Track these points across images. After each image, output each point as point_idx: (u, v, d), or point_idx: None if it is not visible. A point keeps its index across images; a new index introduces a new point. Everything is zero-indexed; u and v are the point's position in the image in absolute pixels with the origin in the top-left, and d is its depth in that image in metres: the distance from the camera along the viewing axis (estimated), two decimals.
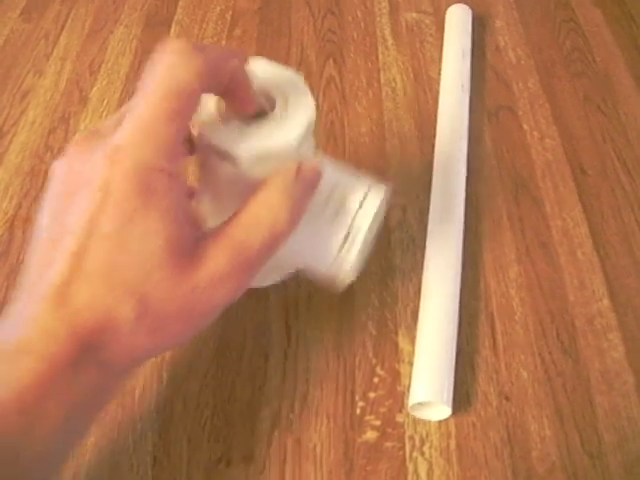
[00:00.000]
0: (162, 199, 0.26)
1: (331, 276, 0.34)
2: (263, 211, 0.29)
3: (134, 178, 0.25)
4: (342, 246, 0.33)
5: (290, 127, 0.31)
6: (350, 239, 0.33)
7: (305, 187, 0.31)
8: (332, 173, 0.34)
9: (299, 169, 0.30)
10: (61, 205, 0.27)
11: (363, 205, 0.34)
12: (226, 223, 0.29)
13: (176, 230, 0.26)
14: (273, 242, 0.29)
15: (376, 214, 0.34)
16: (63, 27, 0.61)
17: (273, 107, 0.32)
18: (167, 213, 0.26)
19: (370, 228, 0.34)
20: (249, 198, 0.29)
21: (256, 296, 0.41)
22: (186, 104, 0.27)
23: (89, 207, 0.25)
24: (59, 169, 0.28)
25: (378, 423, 0.37)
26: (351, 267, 0.34)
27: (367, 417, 0.37)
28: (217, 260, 0.27)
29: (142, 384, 0.38)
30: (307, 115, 0.32)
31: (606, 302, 0.42)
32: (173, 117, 0.26)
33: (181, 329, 0.27)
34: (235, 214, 0.29)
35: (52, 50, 0.59)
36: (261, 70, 0.33)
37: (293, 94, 0.32)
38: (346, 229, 0.33)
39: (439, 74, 0.54)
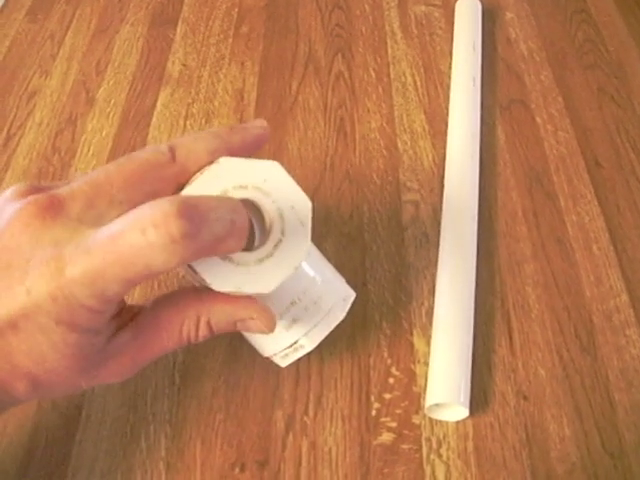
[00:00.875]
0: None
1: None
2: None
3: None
4: (284, 350, 0.34)
5: (272, 275, 0.28)
6: (293, 348, 0.34)
7: None
8: (308, 273, 0.33)
9: None
10: None
11: (320, 323, 0.33)
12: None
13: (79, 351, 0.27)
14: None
15: (332, 326, 0.34)
16: (69, 27, 0.60)
17: (267, 235, 0.29)
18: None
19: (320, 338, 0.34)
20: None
21: None
22: (146, 278, 0.26)
23: None
24: None
25: (394, 425, 0.36)
26: (286, 365, 0.35)
27: (383, 419, 0.37)
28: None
29: (154, 387, 0.38)
30: (296, 261, 0.29)
31: (624, 297, 0.41)
32: (126, 284, 0.25)
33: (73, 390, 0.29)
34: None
35: (58, 50, 0.58)
36: (275, 186, 0.29)
37: (292, 229, 0.29)
38: (296, 338, 0.33)
39: (449, 68, 0.54)
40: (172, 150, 0.28)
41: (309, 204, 0.29)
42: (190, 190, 0.28)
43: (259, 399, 0.37)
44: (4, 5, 0.63)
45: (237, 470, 0.35)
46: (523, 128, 0.50)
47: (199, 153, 0.28)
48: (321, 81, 0.54)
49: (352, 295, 0.36)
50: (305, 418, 0.37)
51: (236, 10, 0.61)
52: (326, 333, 0.34)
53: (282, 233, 0.28)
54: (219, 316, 0.30)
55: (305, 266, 0.33)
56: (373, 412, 0.37)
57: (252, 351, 0.39)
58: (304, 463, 0.35)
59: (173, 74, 0.55)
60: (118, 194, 0.27)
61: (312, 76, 0.54)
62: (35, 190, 0.27)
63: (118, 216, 0.25)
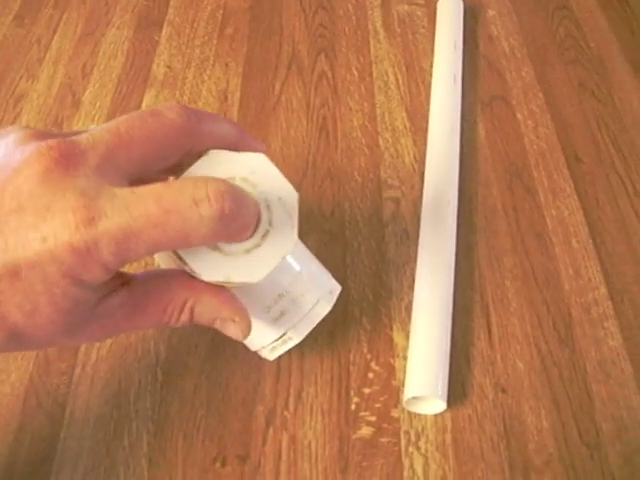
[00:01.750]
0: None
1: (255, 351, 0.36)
2: None
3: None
4: (272, 343, 0.34)
5: (260, 265, 0.28)
6: (281, 341, 0.34)
7: None
8: (294, 267, 0.33)
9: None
10: None
11: (307, 315, 0.34)
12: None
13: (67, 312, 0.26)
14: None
15: (319, 319, 0.35)
16: (55, 31, 0.61)
17: (255, 226, 0.29)
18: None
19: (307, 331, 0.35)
20: None
21: None
22: (174, 247, 0.27)
23: None
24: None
25: (373, 419, 0.37)
26: (274, 358, 0.36)
27: (362, 413, 0.37)
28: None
29: (137, 385, 0.38)
30: (284, 251, 0.29)
31: (602, 290, 0.41)
32: (154, 249, 0.26)
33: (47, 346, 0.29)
34: None
35: (45, 54, 0.59)
36: (262, 178, 0.29)
37: (279, 219, 0.29)
38: (284, 331, 0.34)
39: (431, 66, 0.54)
40: (199, 119, 0.28)
41: (296, 195, 0.30)
42: (184, 177, 0.28)
43: (240, 395, 0.38)
44: None
45: (218, 465, 0.35)
46: (504, 124, 0.50)
47: (219, 135, 0.29)
48: (304, 81, 0.54)
49: (338, 288, 0.36)
50: (285, 413, 0.37)
51: (221, 12, 0.61)
52: (313, 325, 0.34)
53: (270, 224, 0.29)
54: (204, 307, 0.30)
55: (291, 259, 0.33)
56: (352, 406, 0.37)
57: (234, 348, 0.39)
58: (284, 457, 0.36)
59: (158, 76, 0.56)
60: (137, 150, 0.26)
61: (295, 76, 0.55)
62: (47, 135, 0.26)
63: (135, 172, 0.26)
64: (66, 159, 0.24)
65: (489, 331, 0.40)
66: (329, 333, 0.40)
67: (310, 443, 0.36)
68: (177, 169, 0.29)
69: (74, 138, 0.25)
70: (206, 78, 0.55)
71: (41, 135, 0.26)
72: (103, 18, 0.62)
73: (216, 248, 0.28)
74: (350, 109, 0.52)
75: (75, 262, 0.24)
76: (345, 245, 0.44)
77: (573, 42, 0.56)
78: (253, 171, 0.29)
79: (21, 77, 0.57)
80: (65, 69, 0.57)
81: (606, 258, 0.43)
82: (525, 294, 0.41)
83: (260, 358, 0.39)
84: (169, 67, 0.56)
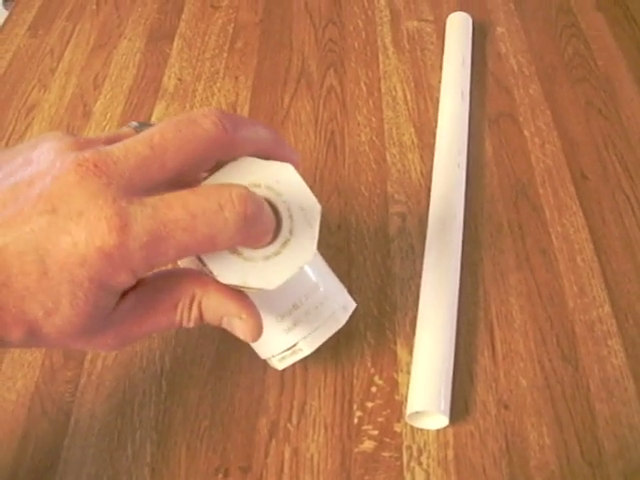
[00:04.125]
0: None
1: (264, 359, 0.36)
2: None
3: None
4: (282, 353, 0.35)
5: (277, 273, 0.28)
6: (291, 351, 0.34)
7: None
8: (311, 278, 0.34)
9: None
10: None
11: (320, 327, 0.34)
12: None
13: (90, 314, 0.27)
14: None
15: (331, 333, 0.35)
16: (68, 42, 0.62)
17: (276, 234, 0.29)
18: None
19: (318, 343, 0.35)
20: None
21: None
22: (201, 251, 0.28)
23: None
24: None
25: (376, 433, 0.37)
26: (283, 368, 0.36)
27: (365, 427, 0.37)
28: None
29: (141, 394, 0.39)
30: (302, 260, 0.29)
31: (607, 308, 0.41)
32: (182, 253, 0.27)
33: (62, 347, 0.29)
34: None
35: (57, 65, 0.59)
36: (286, 187, 0.30)
37: (300, 229, 0.29)
38: (295, 341, 0.34)
39: (439, 82, 0.54)
40: (234, 128, 0.28)
41: (318, 207, 0.30)
42: (209, 182, 0.29)
43: (244, 406, 0.38)
44: (6, 20, 0.64)
45: (220, 476, 0.36)
46: (511, 141, 0.51)
47: (254, 143, 0.30)
48: (313, 95, 0.55)
49: (353, 305, 0.37)
50: (288, 425, 0.37)
51: (232, 25, 0.62)
52: (325, 339, 0.35)
53: (290, 233, 0.29)
54: (211, 301, 0.30)
55: (309, 270, 0.34)
56: (355, 420, 0.37)
57: (239, 360, 0.40)
58: (286, 469, 0.36)
59: (169, 88, 0.56)
60: (170, 160, 0.27)
61: (304, 90, 0.55)
62: (85, 144, 0.27)
63: (167, 182, 0.27)
64: (100, 170, 0.25)
65: (493, 347, 0.40)
66: (333, 347, 0.40)
67: (312, 456, 0.36)
68: (214, 170, 0.30)
69: (108, 149, 0.26)
70: (216, 91, 0.56)
71: (80, 145, 0.27)
72: (115, 30, 0.62)
73: (236, 252, 0.28)
74: (358, 124, 0.52)
75: (104, 267, 0.25)
76: (351, 259, 0.44)
77: (581, 60, 0.57)
78: (278, 180, 0.29)
79: (33, 87, 0.57)
80: (77, 80, 0.58)
81: (611, 276, 0.43)
82: (529, 311, 0.41)
83: (264, 371, 0.39)
84: (180, 79, 0.57)
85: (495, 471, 0.35)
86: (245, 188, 0.27)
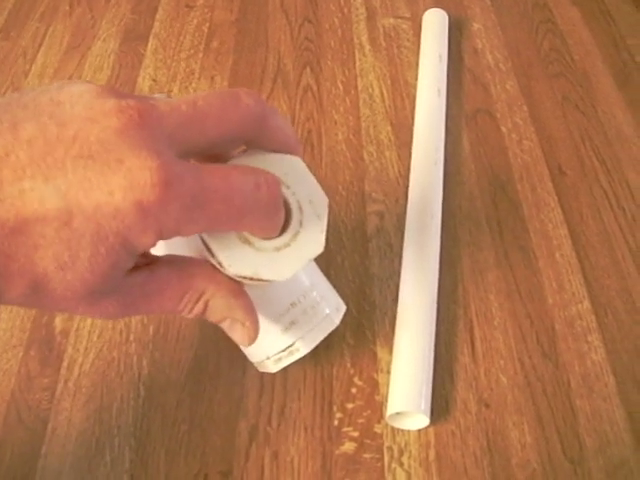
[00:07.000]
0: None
1: (256, 364, 0.36)
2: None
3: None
4: (279, 353, 0.34)
5: (288, 264, 0.28)
6: (288, 351, 0.34)
7: None
8: (309, 277, 0.34)
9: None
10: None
11: (316, 327, 0.34)
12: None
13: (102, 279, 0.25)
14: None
15: (327, 332, 0.35)
16: (41, 44, 0.61)
17: (286, 226, 0.29)
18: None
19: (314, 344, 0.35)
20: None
21: None
22: (228, 227, 0.28)
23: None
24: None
25: (356, 434, 0.37)
26: (277, 370, 0.35)
27: (345, 428, 0.37)
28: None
29: (119, 400, 0.38)
30: (312, 252, 0.29)
31: (586, 304, 0.41)
32: (212, 225, 0.26)
33: (62, 310, 0.26)
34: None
35: (30, 67, 0.59)
36: (295, 180, 0.30)
37: (309, 222, 0.29)
38: (292, 341, 0.34)
39: (416, 79, 0.54)
40: (273, 112, 0.28)
41: (326, 199, 0.30)
42: None
43: (223, 410, 0.38)
44: None
45: None
46: (488, 137, 0.51)
47: (284, 134, 0.29)
48: (289, 94, 0.54)
49: (343, 307, 0.37)
50: (268, 428, 0.37)
51: (207, 25, 0.61)
52: (320, 339, 0.34)
53: (300, 225, 0.29)
54: (219, 302, 0.29)
55: (307, 269, 0.34)
56: (335, 422, 0.37)
57: (217, 363, 0.39)
58: (267, 473, 0.35)
59: (144, 89, 0.56)
60: (211, 127, 0.26)
61: (280, 89, 0.55)
62: (124, 94, 0.25)
63: (200, 150, 0.27)
64: (144, 121, 0.23)
65: (472, 346, 0.40)
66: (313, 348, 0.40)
67: (293, 459, 0.36)
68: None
69: (152, 102, 0.25)
70: (192, 91, 0.55)
71: (119, 93, 0.25)
72: (89, 31, 0.62)
73: (247, 241, 0.28)
74: (335, 122, 0.52)
75: (136, 222, 0.23)
76: (329, 259, 0.44)
77: (557, 55, 0.57)
78: (287, 172, 0.29)
79: (6, 89, 0.57)
80: (50, 82, 0.57)
81: (590, 272, 0.43)
82: (509, 308, 0.41)
83: (243, 374, 0.39)
84: (155, 80, 0.56)
85: (477, 470, 0.35)
86: (275, 175, 0.27)
